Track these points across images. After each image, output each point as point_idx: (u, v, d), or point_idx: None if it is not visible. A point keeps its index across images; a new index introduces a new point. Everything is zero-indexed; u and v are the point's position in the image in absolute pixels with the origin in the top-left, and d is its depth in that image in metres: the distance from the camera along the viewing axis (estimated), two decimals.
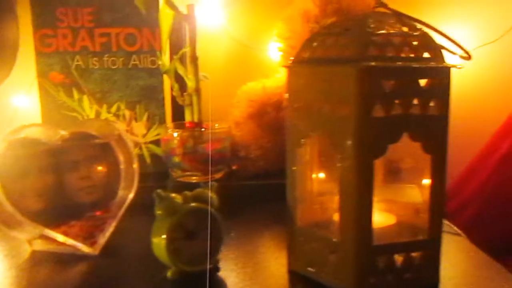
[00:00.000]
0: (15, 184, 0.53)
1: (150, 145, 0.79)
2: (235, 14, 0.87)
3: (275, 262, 0.53)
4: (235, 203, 0.69)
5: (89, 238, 0.55)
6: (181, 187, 0.72)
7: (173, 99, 0.78)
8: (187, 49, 0.72)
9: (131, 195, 0.59)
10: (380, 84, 0.40)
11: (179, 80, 0.74)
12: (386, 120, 0.41)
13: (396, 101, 0.41)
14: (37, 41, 0.76)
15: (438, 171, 0.43)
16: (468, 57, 0.43)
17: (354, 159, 0.40)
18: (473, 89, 0.87)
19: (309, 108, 0.44)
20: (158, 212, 0.47)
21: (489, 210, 0.75)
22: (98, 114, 0.78)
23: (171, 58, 0.75)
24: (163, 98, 0.78)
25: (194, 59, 0.72)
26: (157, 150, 0.79)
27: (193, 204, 0.48)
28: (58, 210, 0.57)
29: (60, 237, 0.53)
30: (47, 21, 0.76)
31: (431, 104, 0.42)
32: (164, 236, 0.46)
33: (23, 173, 0.54)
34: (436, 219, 0.44)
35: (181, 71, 0.74)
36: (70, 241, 0.53)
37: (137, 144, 0.79)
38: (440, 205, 0.43)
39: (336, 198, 0.43)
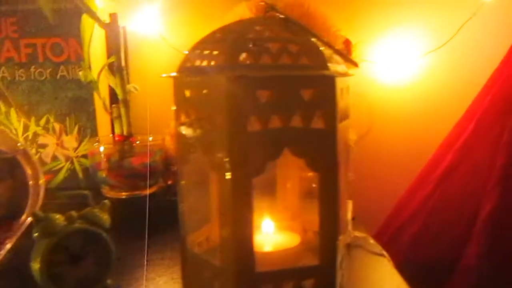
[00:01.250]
0: None
1: (82, 159, 0.76)
2: (174, 23, 0.84)
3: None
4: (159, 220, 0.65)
5: None
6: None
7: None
8: (112, 59, 0.68)
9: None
10: (254, 95, 0.36)
11: (111, 92, 0.71)
12: (263, 134, 0.37)
13: (274, 114, 0.37)
14: None
15: (327, 191, 0.39)
16: (355, 65, 0.39)
17: (231, 177, 0.37)
18: (421, 99, 0.83)
19: (192, 121, 0.41)
20: (35, 234, 0.44)
21: (432, 225, 0.71)
22: (26, 127, 0.75)
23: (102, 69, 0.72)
24: (94, 110, 0.75)
25: (120, 70, 0.68)
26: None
27: (76, 225, 0.45)
28: None
29: None
30: None
31: (315, 117, 0.38)
32: (38, 259, 0.42)
33: None
34: (328, 243, 0.40)
35: (111, 82, 0.71)
36: None
37: (68, 158, 0.76)
38: (332, 227, 0.39)
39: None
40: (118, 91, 0.69)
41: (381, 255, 0.54)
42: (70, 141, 0.75)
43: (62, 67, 0.74)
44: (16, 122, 0.75)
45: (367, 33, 0.84)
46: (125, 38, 0.80)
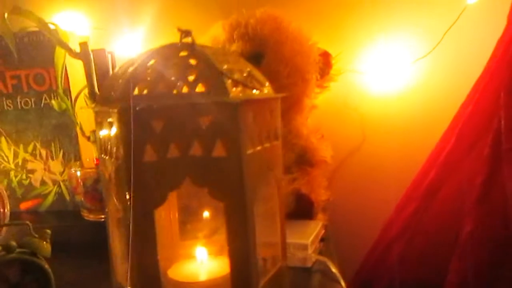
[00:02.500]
0: None
1: (68, 183, 0.78)
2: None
3: None
4: None
5: None
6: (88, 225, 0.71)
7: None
8: (85, 86, 0.70)
9: None
10: (149, 125, 0.36)
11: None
12: (161, 164, 0.36)
13: (171, 143, 0.36)
14: None
15: (234, 220, 0.37)
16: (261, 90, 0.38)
17: (132, 208, 0.36)
18: (413, 109, 0.79)
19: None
20: None
21: (417, 243, 0.67)
22: (16, 154, 0.79)
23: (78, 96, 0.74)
24: (76, 135, 0.77)
25: (93, 96, 0.70)
26: None
27: (13, 254, 0.46)
28: None
29: None
30: None
31: (216, 144, 0.37)
32: None
33: None
34: (238, 275, 0.38)
35: (86, 105, 0.73)
36: None
37: (55, 182, 0.79)
38: (242, 258, 0.38)
39: None
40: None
41: (338, 282, 0.51)
42: (56, 165, 0.78)
43: (45, 95, 0.76)
44: (7, 149, 0.79)
45: (352, 43, 0.81)
46: (113, 63, 0.82)
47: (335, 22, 0.82)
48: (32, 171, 0.79)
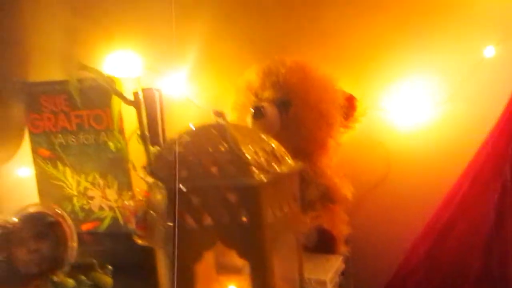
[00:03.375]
0: None
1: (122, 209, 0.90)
2: (199, 85, 0.95)
3: None
4: None
5: None
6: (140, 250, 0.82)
7: None
8: (137, 130, 0.81)
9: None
10: (189, 199, 0.45)
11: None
12: (198, 230, 0.45)
13: (207, 213, 0.45)
14: (29, 124, 0.92)
15: (258, 278, 0.46)
16: (277, 172, 0.46)
17: (175, 264, 0.46)
18: (436, 146, 0.84)
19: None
20: None
21: (431, 280, 0.73)
22: (78, 183, 0.91)
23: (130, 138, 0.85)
24: (128, 169, 0.88)
25: (144, 138, 0.81)
26: None
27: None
28: (8, 281, 0.69)
29: None
30: (34, 107, 0.90)
31: (242, 215, 0.45)
32: None
33: None
34: None
35: (140, 144, 0.83)
36: None
37: (111, 208, 0.91)
38: None
39: None
40: (146, 155, 0.81)
41: None
42: (111, 194, 0.90)
43: (102, 133, 0.88)
44: (71, 178, 0.91)
45: (376, 85, 0.87)
46: (161, 100, 0.93)
47: (359, 64, 0.88)
48: (91, 198, 0.91)
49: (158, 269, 0.53)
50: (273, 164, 0.48)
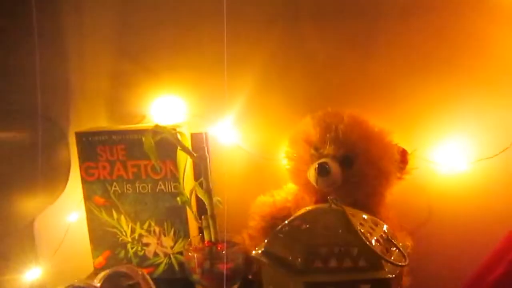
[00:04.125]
0: None
1: (178, 255, 0.92)
2: (247, 130, 0.98)
3: None
4: None
5: None
6: None
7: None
8: (202, 181, 0.83)
9: None
10: None
11: (201, 202, 0.86)
12: None
13: None
14: (82, 171, 0.92)
15: None
16: (404, 265, 0.50)
17: None
18: (473, 203, 0.90)
19: None
20: None
21: None
22: (133, 230, 0.92)
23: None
24: (186, 217, 0.90)
25: (208, 191, 0.83)
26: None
27: None
28: None
29: None
30: (90, 156, 0.91)
31: None
32: None
33: None
34: None
35: (200, 194, 0.86)
36: None
37: (166, 254, 0.92)
38: None
39: None
40: (207, 206, 0.84)
41: None
42: (167, 241, 0.92)
43: (160, 182, 0.90)
44: (125, 225, 0.92)
45: (423, 138, 0.93)
46: (207, 143, 0.95)
47: (407, 117, 0.94)
48: (146, 245, 0.93)
49: None
50: (394, 252, 0.52)
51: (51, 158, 0.99)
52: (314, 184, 0.82)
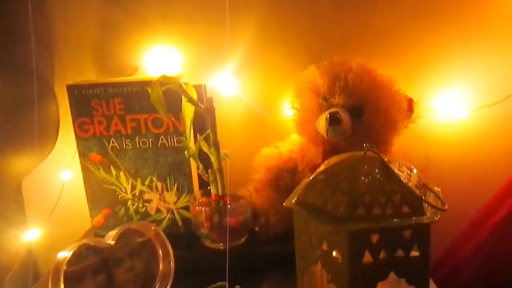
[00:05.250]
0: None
1: (181, 210, 0.90)
2: (249, 81, 0.95)
3: None
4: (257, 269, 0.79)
5: None
6: (209, 253, 0.83)
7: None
8: (208, 134, 0.80)
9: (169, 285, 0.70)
10: (368, 239, 0.48)
11: (203, 156, 0.83)
12: (375, 264, 0.49)
13: (383, 249, 0.49)
14: (76, 128, 0.86)
15: None
16: (445, 209, 0.50)
17: None
18: (473, 151, 0.92)
19: (311, 246, 0.53)
20: None
21: (484, 273, 0.81)
22: (134, 187, 0.89)
23: (195, 138, 0.84)
24: (190, 171, 0.87)
25: (216, 144, 0.80)
26: (188, 215, 0.89)
27: None
28: None
29: None
30: (84, 111, 0.85)
31: (413, 248, 0.50)
32: None
33: (80, 279, 0.65)
34: None
35: (205, 149, 0.83)
36: None
37: (169, 210, 0.90)
38: None
39: None
40: (214, 161, 0.81)
41: None
42: (170, 196, 0.89)
43: (162, 137, 0.86)
44: (125, 182, 0.89)
45: (425, 87, 0.93)
46: (205, 93, 0.92)
47: (410, 65, 0.93)
48: (148, 201, 0.90)
49: None
50: (429, 197, 0.52)
51: (37, 114, 0.92)
52: (324, 134, 0.81)
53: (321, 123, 0.81)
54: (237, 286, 0.62)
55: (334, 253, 0.50)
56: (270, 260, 0.82)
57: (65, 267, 0.62)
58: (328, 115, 0.79)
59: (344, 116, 0.80)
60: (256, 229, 0.87)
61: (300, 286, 0.57)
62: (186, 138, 0.81)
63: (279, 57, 0.95)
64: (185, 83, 0.77)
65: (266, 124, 0.96)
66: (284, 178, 0.88)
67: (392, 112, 0.82)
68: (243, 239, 0.85)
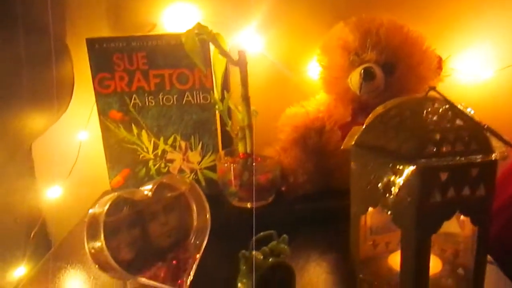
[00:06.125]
0: (111, 241, 0.61)
1: (205, 171, 0.87)
2: (272, 39, 0.92)
3: None
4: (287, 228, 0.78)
5: (176, 279, 0.64)
6: (237, 212, 0.81)
7: (222, 129, 0.85)
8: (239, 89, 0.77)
9: (205, 239, 0.67)
10: (437, 176, 0.47)
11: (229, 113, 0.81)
12: (442, 203, 0.48)
13: (451, 187, 0.48)
14: (96, 84, 0.83)
15: (482, 241, 0.50)
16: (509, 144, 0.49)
17: (414, 235, 0.49)
18: (496, 111, 0.92)
19: (371, 188, 0.52)
20: (243, 267, 0.56)
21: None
22: (156, 146, 0.86)
23: (222, 94, 0.81)
24: (215, 129, 0.85)
25: (247, 99, 0.78)
26: (212, 175, 0.87)
27: (272, 260, 0.57)
28: (146, 255, 0.66)
29: (150, 282, 0.62)
30: (104, 66, 0.81)
31: (480, 187, 0.49)
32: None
33: (116, 231, 0.63)
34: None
35: (232, 105, 0.80)
36: (160, 285, 0.63)
37: (193, 170, 0.87)
38: (482, 272, 0.51)
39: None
40: (244, 117, 0.79)
41: (491, 263, 0.66)
42: (194, 156, 0.86)
43: (187, 93, 0.83)
44: (147, 141, 0.86)
45: (451, 45, 0.92)
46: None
47: (439, 28, 0.91)
48: (171, 161, 0.87)
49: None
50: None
51: (50, 72, 0.88)
52: (357, 90, 0.80)
53: (354, 79, 0.80)
54: (284, 235, 0.60)
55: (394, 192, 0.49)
56: (299, 219, 0.81)
57: (104, 218, 0.59)
58: (362, 70, 0.78)
59: (378, 71, 0.79)
60: (283, 189, 0.86)
61: (354, 233, 0.56)
62: (215, 93, 0.79)
63: (304, 15, 0.92)
64: (216, 34, 0.74)
65: (289, 83, 0.94)
66: (311, 138, 0.86)
67: (423, 69, 0.81)
68: (270, 198, 0.83)
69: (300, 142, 0.86)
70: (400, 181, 0.48)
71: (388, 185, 0.50)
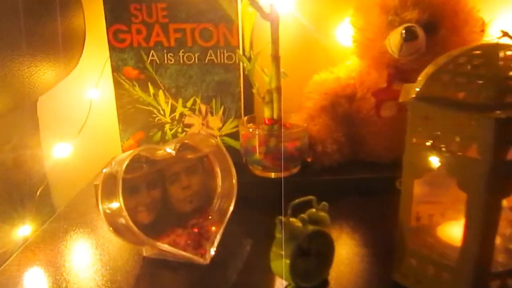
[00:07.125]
0: (129, 201, 0.55)
1: (226, 138, 0.81)
2: (303, 2, 0.85)
3: (379, 271, 0.56)
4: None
5: (197, 247, 0.58)
6: (260, 182, 0.75)
7: (246, 93, 0.79)
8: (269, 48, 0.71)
9: (231, 206, 0.61)
10: None
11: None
12: None
13: None
14: (110, 36, 0.76)
15: None
16: None
17: (483, 199, 0.42)
18: None
19: (431, 146, 0.45)
20: (279, 235, 0.50)
21: None
22: (173, 108, 0.79)
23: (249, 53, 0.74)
24: (239, 92, 0.78)
25: (277, 59, 0.71)
26: (232, 143, 0.81)
27: (311, 228, 0.51)
28: (165, 220, 0.59)
29: (170, 248, 0.56)
30: (120, 17, 0.74)
31: None
32: (288, 261, 0.49)
33: (135, 191, 0.56)
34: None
35: (258, 67, 0.73)
36: (180, 252, 0.56)
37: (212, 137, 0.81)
38: None
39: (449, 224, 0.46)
40: (273, 78, 0.72)
41: None
42: (215, 121, 0.80)
43: (210, 51, 0.76)
44: (164, 103, 0.79)
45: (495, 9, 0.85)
46: None
47: None
48: (189, 126, 0.80)
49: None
50: None
51: (60, 22, 0.80)
52: (396, 52, 0.73)
53: (393, 40, 0.73)
54: (324, 202, 0.54)
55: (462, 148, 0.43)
56: (327, 190, 0.74)
57: (123, 175, 0.52)
58: (403, 30, 0.71)
59: (419, 31, 0.72)
60: (309, 159, 0.79)
61: (406, 198, 0.50)
62: (243, 51, 0.72)
63: None
64: None
65: (317, 48, 0.87)
66: (341, 105, 0.80)
67: (467, 31, 0.75)
68: (296, 169, 0.77)
69: (329, 109, 0.80)
70: (471, 136, 0.42)
71: (454, 141, 0.43)
